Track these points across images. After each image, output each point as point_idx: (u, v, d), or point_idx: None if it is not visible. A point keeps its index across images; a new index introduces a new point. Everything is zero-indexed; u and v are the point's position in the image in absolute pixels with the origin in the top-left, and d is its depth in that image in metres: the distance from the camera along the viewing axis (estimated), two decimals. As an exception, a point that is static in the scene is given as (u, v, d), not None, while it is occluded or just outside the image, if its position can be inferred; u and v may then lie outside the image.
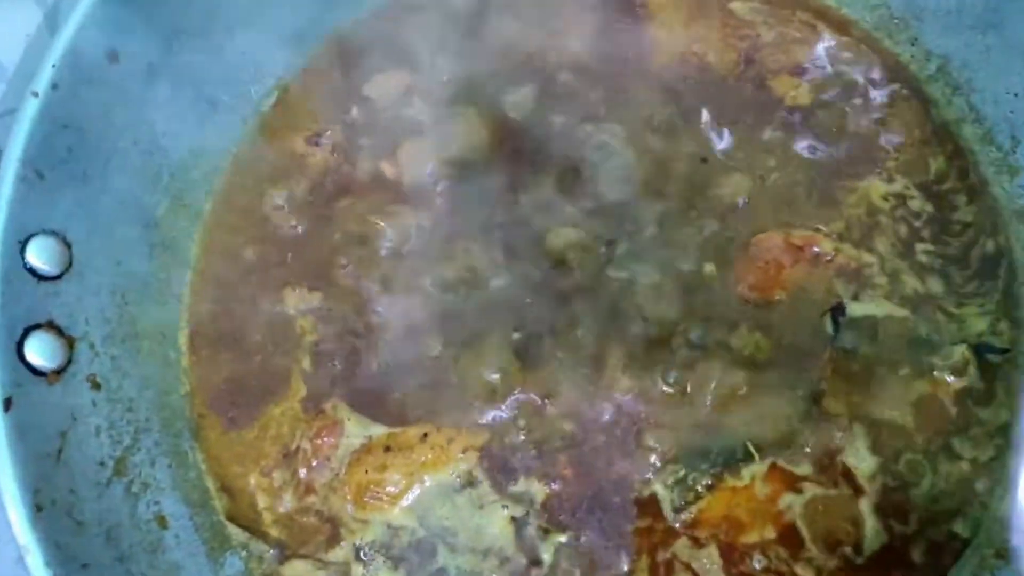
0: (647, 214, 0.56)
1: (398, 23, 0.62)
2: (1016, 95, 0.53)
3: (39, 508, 0.42)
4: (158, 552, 0.47)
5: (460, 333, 0.53)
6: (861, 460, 0.49)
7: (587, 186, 0.57)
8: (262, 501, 0.52)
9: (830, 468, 0.49)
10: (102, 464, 0.47)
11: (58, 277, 0.48)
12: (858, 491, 0.49)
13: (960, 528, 0.48)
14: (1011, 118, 0.53)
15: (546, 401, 0.51)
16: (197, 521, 0.50)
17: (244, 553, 0.50)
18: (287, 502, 0.51)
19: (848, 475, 0.49)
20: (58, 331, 0.48)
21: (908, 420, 0.50)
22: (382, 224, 0.57)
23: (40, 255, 0.47)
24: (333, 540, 0.50)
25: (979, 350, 0.51)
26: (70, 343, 0.48)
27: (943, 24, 0.56)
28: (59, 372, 0.47)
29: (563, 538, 0.49)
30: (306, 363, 0.55)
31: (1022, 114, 0.53)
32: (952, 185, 0.55)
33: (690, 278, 0.54)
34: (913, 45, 0.58)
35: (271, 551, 0.50)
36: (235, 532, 0.51)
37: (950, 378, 0.50)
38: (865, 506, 0.48)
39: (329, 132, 0.60)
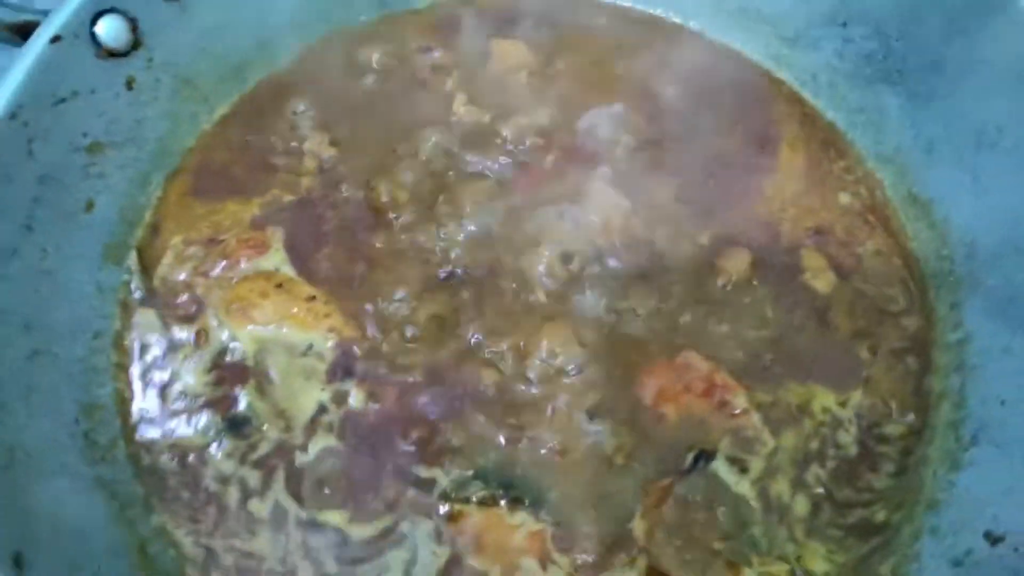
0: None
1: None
2: (1002, 402, 0.50)
3: (12, 116, 0.49)
4: (71, 221, 0.53)
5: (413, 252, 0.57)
6: (622, 587, 0.47)
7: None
8: (166, 259, 0.57)
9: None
10: (84, 135, 0.54)
11: (172, -2, 0.57)
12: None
13: None
14: (985, 419, 0.50)
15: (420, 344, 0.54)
16: (115, 231, 0.56)
17: (124, 277, 0.55)
18: (181, 273, 0.56)
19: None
20: (134, 28, 0.56)
21: (691, 588, 0.47)
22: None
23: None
24: (186, 319, 0.54)
25: (798, 581, 0.48)
26: (136, 44, 0.56)
27: (987, 306, 0.53)
28: (111, 55, 0.55)
29: (336, 444, 0.50)
30: (288, 195, 0.60)
31: (996, 422, 0.49)
32: (890, 451, 0.52)
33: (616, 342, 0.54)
34: (951, 309, 0.55)
35: (141, 293, 0.55)
36: (133, 262, 0.56)
37: (753, 584, 0.47)
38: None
39: (440, 52, 0.66)
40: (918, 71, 0.59)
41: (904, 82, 0.60)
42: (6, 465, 0.43)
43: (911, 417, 0.53)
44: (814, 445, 0.52)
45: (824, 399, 0.53)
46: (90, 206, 0.55)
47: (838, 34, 0.62)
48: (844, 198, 0.62)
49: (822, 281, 0.57)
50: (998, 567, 0.43)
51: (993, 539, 0.45)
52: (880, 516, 0.50)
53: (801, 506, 0.50)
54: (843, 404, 0.53)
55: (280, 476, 0.50)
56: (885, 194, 0.61)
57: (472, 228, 0.57)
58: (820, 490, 0.50)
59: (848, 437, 0.52)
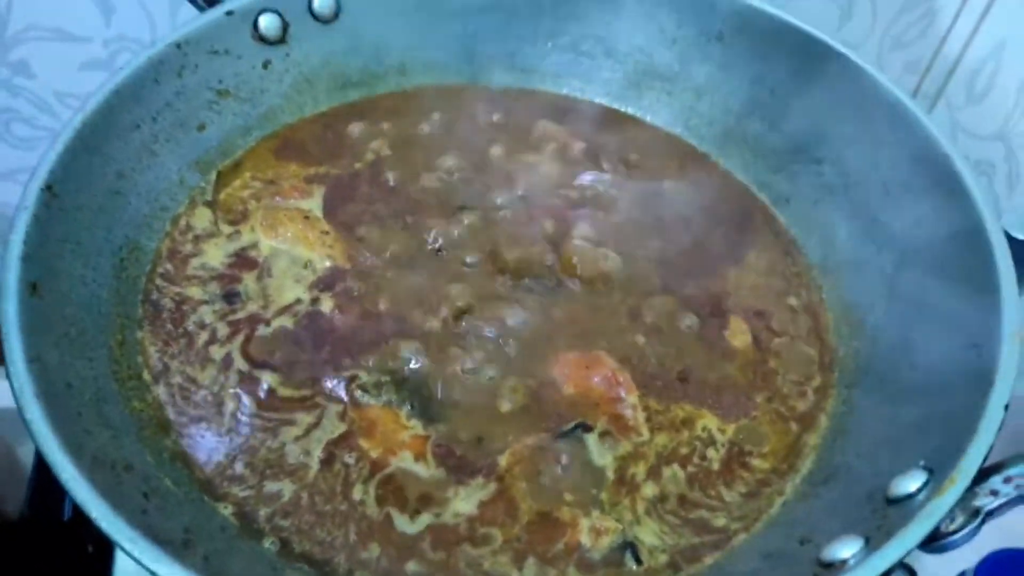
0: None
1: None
2: (858, 454, 0.54)
3: (178, 47, 0.68)
4: (184, 130, 0.69)
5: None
6: (466, 502, 0.54)
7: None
8: (235, 183, 0.73)
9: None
10: (220, 82, 0.71)
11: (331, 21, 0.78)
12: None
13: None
14: (840, 466, 0.55)
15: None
16: (210, 152, 0.72)
17: (201, 183, 0.72)
18: (241, 194, 0.72)
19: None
20: (285, 29, 0.76)
21: (529, 517, 0.53)
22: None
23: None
24: (230, 222, 0.69)
25: (628, 544, 0.52)
26: (282, 40, 0.76)
27: (872, 386, 0.60)
28: (262, 40, 0.75)
29: (293, 328, 0.62)
30: (340, 171, 0.76)
31: (847, 467, 0.54)
32: (748, 478, 0.57)
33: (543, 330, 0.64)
34: (846, 388, 0.62)
35: (207, 198, 0.71)
36: (212, 177, 0.73)
37: (586, 534, 0.52)
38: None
39: (497, 116, 0.83)
40: (866, 204, 0.69)
41: (854, 213, 0.70)
42: (62, 240, 0.58)
43: (780, 462, 0.58)
44: (683, 450, 0.57)
45: (709, 421, 0.59)
46: (201, 127, 0.73)
47: (813, 170, 0.74)
48: (791, 300, 0.70)
49: (739, 340, 0.65)
50: (798, 559, 0.47)
51: (802, 541, 0.48)
52: (720, 522, 0.54)
53: (650, 490, 0.55)
54: (723, 430, 0.59)
55: (241, 336, 0.61)
56: (822, 297, 0.69)
57: (467, 224, 0.71)
58: (671, 486, 0.55)
59: (716, 454, 0.58)
